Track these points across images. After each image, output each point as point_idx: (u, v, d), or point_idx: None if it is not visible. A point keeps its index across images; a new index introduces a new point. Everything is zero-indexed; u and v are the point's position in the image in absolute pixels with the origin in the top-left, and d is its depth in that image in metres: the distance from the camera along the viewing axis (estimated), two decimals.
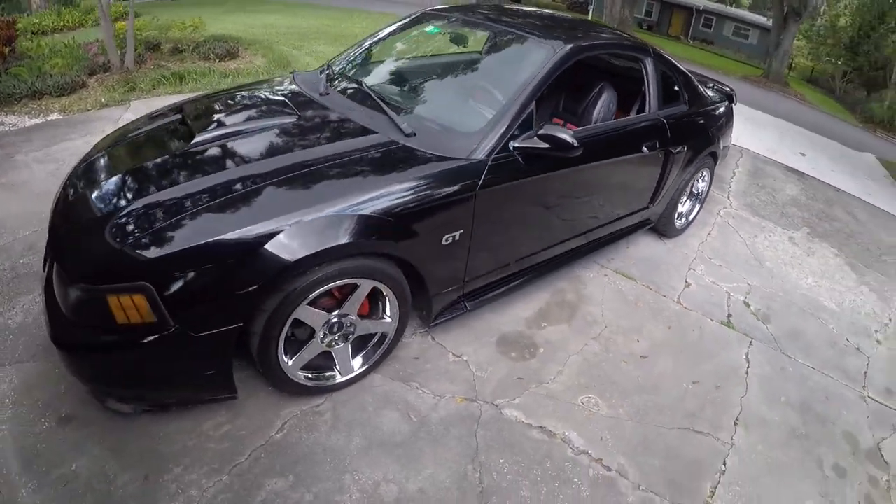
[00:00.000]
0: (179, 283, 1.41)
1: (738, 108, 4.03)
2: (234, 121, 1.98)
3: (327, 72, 2.50)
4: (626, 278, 2.97)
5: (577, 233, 2.61)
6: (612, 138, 2.48)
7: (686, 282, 3.09)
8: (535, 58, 2.17)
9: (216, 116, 2.03)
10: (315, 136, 1.94)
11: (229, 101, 2.26)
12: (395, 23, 2.85)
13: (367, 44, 2.76)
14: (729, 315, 2.87)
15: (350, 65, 2.63)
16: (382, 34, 2.80)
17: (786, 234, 4.04)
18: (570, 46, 2.20)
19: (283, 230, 1.49)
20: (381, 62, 2.72)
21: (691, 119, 3.09)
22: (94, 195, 1.66)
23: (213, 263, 1.44)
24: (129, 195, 1.62)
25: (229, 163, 1.74)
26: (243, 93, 2.41)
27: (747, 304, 3.00)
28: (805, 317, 3.02)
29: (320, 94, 2.24)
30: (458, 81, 2.43)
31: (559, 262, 2.59)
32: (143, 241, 1.43)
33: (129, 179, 1.72)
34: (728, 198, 4.47)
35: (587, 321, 2.55)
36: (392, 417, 1.83)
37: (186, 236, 1.44)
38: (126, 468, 1.57)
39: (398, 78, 2.54)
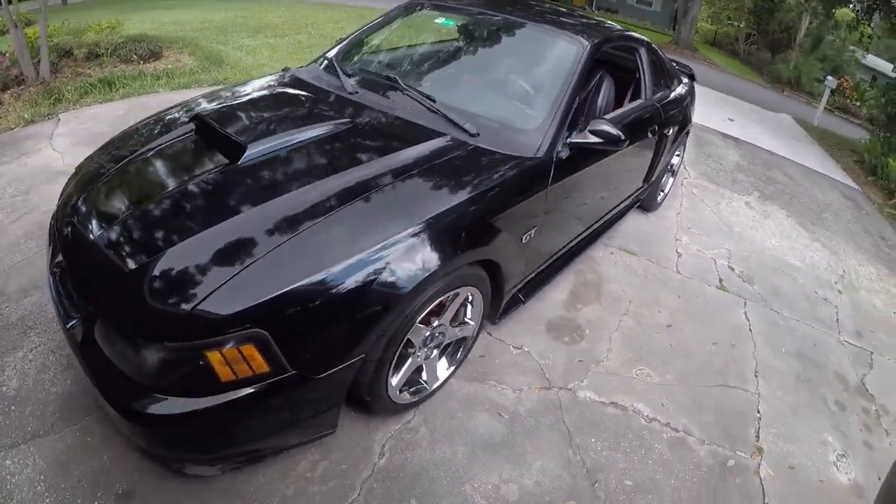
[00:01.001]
0: (295, 325, 1.31)
1: None
2: (282, 129, 1.82)
3: (334, 67, 2.38)
4: (630, 254, 3.25)
5: (600, 216, 2.82)
6: (632, 126, 2.69)
7: (677, 252, 3.43)
8: (567, 54, 2.27)
9: (255, 124, 1.88)
10: (381, 142, 1.89)
11: (253, 106, 2.07)
12: (393, 14, 2.80)
13: (368, 36, 2.72)
14: (720, 280, 3.25)
15: (362, 60, 2.59)
16: (382, 25, 2.75)
17: (742, 199, 4.54)
18: (596, 42, 2.34)
19: (398, 250, 1.45)
20: (399, 56, 2.68)
21: (674, 101, 3.39)
22: (136, 232, 1.45)
23: (329, 297, 1.34)
24: (190, 225, 1.43)
25: (304, 179, 1.61)
26: (256, 95, 2.21)
27: (732, 269, 3.40)
28: (778, 275, 3.48)
29: (350, 94, 2.17)
30: (493, 76, 2.42)
31: (584, 246, 2.79)
32: (242, 283, 1.28)
33: (178, 205, 1.51)
34: (686, 168, 4.91)
35: (613, 298, 2.79)
36: (483, 419, 1.95)
37: (291, 272, 1.32)
38: None
39: (429, 73, 2.51)
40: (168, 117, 2.09)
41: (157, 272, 1.32)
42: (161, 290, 1.29)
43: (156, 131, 1.98)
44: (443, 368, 1.97)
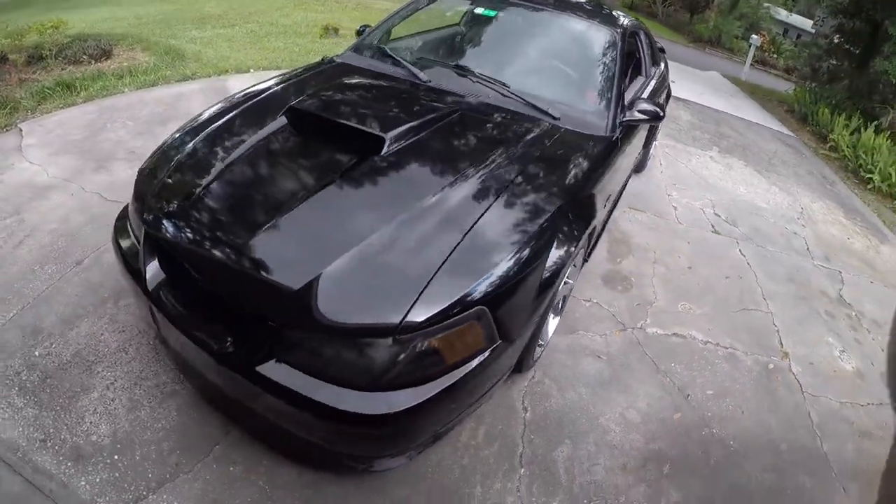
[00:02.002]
0: (503, 298, 1.47)
1: None
2: (400, 119, 1.92)
3: (388, 55, 2.55)
4: (639, 212, 3.75)
5: (626, 181, 3.27)
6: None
7: (673, 206, 3.98)
8: (612, 40, 2.65)
9: (366, 115, 1.96)
10: (492, 129, 2.10)
11: (343, 97, 2.14)
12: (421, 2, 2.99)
13: (398, 24, 2.90)
14: (712, 225, 3.83)
15: (409, 48, 2.82)
16: (410, 13, 2.94)
17: (706, 154, 5.20)
18: (628, 28, 2.76)
19: (557, 221, 1.72)
20: (445, 43, 2.94)
21: (664, 75, 3.89)
22: (307, 236, 1.47)
23: (523, 268, 1.53)
24: (377, 218, 1.52)
25: (447, 166, 1.79)
26: (330, 85, 2.23)
27: (718, 215, 4.00)
28: (754, 217, 4.13)
29: (426, 81, 2.34)
30: (545, 63, 2.67)
31: (614, 208, 3.24)
32: (458, 265, 1.43)
33: (335, 203, 1.56)
34: None
35: (641, 250, 3.28)
36: (588, 363, 2.35)
37: (495, 252, 1.51)
38: None
39: (490, 60, 2.61)
40: (240, 109, 2.05)
41: (359, 271, 1.39)
42: (369, 290, 1.35)
43: (236, 126, 1.94)
44: (553, 325, 2.34)
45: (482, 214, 1.62)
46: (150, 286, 1.53)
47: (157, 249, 1.56)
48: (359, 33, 3.01)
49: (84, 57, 5.01)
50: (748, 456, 2.07)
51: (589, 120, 2.32)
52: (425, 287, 1.35)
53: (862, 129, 6.28)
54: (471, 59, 2.66)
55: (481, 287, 1.42)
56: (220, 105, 2.15)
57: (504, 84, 2.36)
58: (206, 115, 2.07)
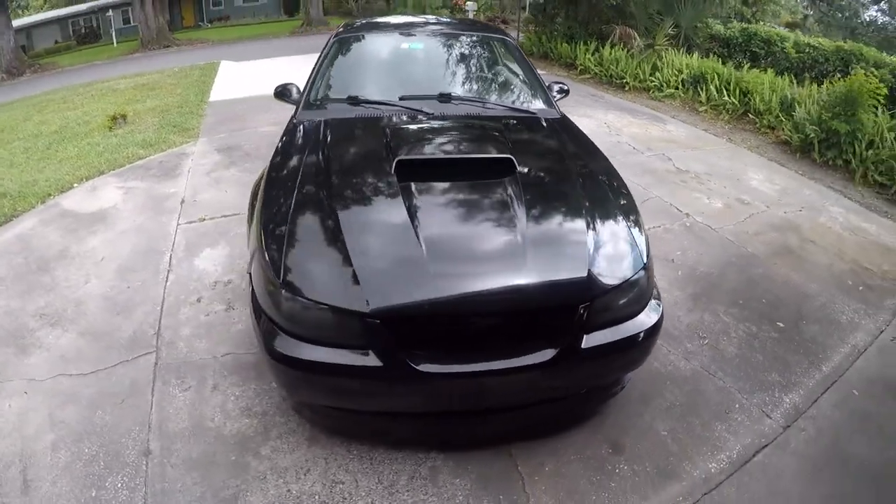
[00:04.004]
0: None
1: None
2: (474, 139, 2.56)
3: (369, 102, 2.81)
4: None
5: None
6: None
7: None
8: (513, 45, 3.59)
9: (458, 142, 2.54)
10: (529, 133, 2.76)
11: (410, 137, 2.55)
12: (334, 48, 3.33)
13: (330, 70, 3.20)
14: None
15: (371, 88, 2.99)
16: (334, 58, 3.26)
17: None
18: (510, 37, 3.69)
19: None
20: (405, 78, 3.16)
21: None
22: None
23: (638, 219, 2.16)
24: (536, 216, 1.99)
25: (545, 163, 2.44)
26: (385, 131, 2.52)
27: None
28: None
29: (430, 113, 2.72)
30: (490, 74, 3.41)
31: None
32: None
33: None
34: None
35: None
36: None
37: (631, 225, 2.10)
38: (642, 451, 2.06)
39: (453, 83, 3.13)
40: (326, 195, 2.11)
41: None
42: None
43: (360, 212, 2.08)
44: None
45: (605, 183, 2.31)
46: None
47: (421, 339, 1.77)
48: (278, 94, 3.16)
49: None
50: (724, 274, 3.26)
51: (547, 108, 3.03)
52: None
53: (600, 49, 8.31)
54: (437, 85, 3.02)
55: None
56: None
57: (482, 100, 2.97)
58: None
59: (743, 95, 6.36)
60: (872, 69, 5.83)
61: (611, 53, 8.09)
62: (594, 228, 1.98)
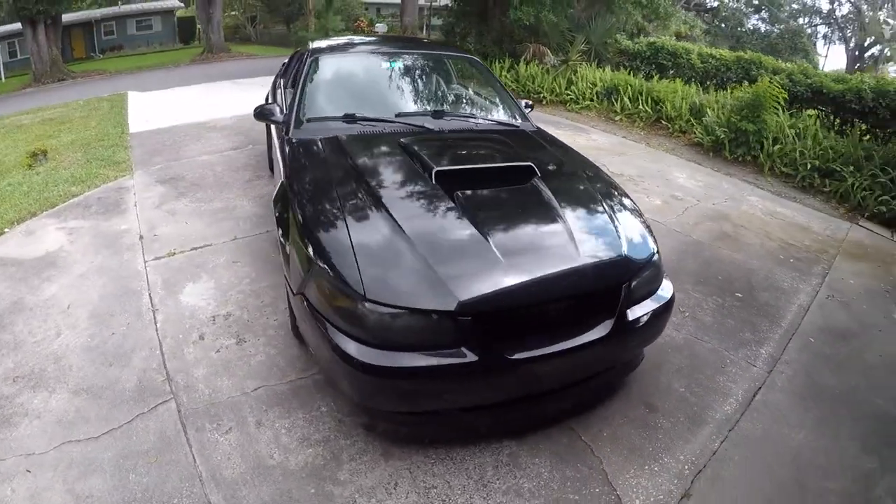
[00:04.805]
0: None
1: None
2: (488, 149, 2.86)
3: (368, 120, 2.93)
4: None
5: None
6: None
7: None
8: (479, 64, 3.89)
9: (476, 155, 2.80)
10: (522, 144, 2.99)
11: (437, 151, 2.68)
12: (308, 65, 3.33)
13: (325, 93, 3.25)
14: None
15: (362, 106, 3.05)
16: (310, 76, 3.26)
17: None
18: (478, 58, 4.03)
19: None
20: (393, 96, 3.32)
21: None
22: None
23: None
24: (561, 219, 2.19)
25: (561, 178, 2.65)
26: (408, 149, 2.61)
27: None
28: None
29: (435, 128, 2.95)
30: (472, 93, 3.78)
31: None
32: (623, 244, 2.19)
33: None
34: None
35: None
36: None
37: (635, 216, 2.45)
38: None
39: (438, 100, 3.49)
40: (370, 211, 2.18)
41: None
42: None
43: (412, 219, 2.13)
44: None
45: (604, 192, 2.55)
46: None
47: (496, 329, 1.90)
48: (258, 115, 3.14)
49: None
50: (682, 259, 3.74)
51: (524, 122, 3.37)
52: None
53: (515, 66, 8.93)
54: (424, 103, 3.35)
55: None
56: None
57: (470, 115, 3.33)
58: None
59: (655, 104, 7.21)
60: (772, 74, 6.74)
61: (526, 70, 8.73)
62: (616, 219, 2.31)
